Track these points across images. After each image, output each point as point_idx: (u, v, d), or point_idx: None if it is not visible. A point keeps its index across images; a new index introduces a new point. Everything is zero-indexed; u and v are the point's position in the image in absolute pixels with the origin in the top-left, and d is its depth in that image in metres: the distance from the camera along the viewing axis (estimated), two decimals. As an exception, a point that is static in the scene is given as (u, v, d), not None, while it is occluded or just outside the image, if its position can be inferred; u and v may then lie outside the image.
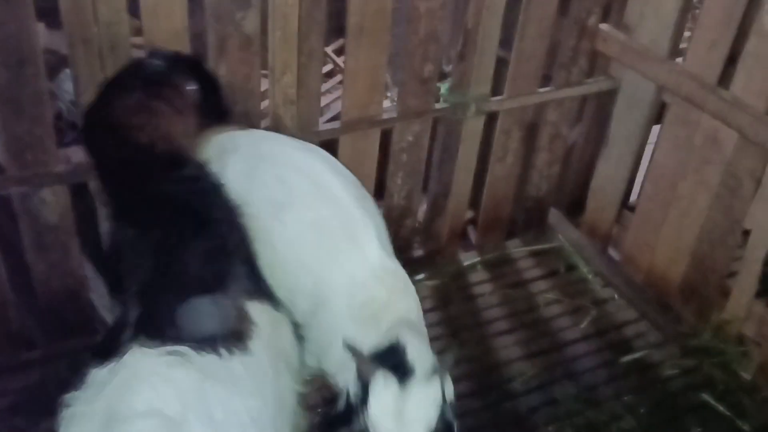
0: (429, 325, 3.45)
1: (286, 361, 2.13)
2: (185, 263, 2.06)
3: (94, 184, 2.80)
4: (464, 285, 3.67)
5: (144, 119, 2.31)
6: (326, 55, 4.84)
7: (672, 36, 3.28)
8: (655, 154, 3.52)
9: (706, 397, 3.16)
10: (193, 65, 2.49)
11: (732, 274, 3.30)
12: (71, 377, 2.93)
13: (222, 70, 2.75)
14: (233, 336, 1.94)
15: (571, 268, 3.79)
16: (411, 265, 3.64)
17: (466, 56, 3.28)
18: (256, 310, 2.06)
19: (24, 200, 2.72)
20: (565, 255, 3.84)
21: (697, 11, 3.50)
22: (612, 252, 3.84)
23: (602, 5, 3.44)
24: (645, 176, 3.63)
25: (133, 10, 2.59)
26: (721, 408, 3.11)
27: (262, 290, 2.15)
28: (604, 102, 3.70)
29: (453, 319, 3.47)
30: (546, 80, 3.58)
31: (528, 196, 3.88)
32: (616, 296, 3.64)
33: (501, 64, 3.45)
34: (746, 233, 3.22)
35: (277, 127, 2.96)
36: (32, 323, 3.09)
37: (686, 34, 3.60)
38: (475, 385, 3.14)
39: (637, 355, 3.34)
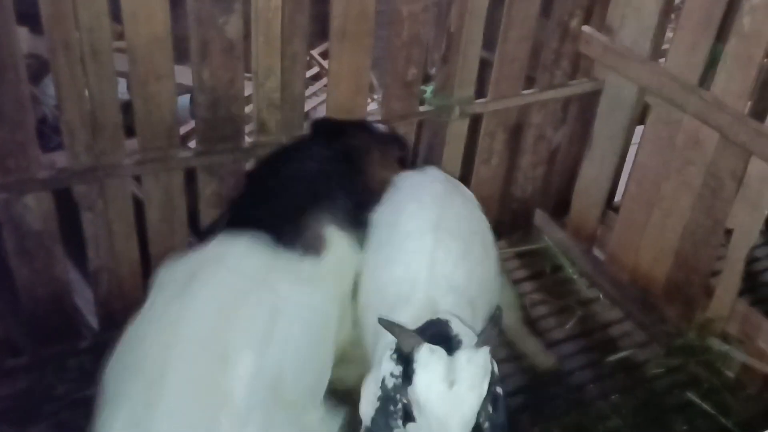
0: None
1: (347, 291, 2.37)
2: (289, 182, 2.49)
3: (77, 189, 2.80)
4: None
5: (362, 142, 2.75)
6: (312, 58, 4.85)
7: (653, 37, 3.30)
8: (638, 154, 3.54)
9: (691, 395, 3.18)
10: (400, 142, 2.96)
11: (715, 274, 3.32)
12: (58, 382, 2.96)
13: (205, 74, 2.76)
14: (309, 246, 2.29)
15: (557, 268, 3.81)
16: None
17: (449, 59, 3.30)
18: (336, 237, 2.38)
19: (7, 206, 2.71)
20: (551, 256, 3.86)
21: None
22: (597, 252, 3.86)
23: (584, 7, 3.46)
24: (629, 177, 3.65)
25: (115, 14, 2.59)
26: (705, 406, 3.13)
27: (352, 228, 2.45)
28: (588, 103, 3.72)
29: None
30: (530, 82, 3.60)
31: (513, 198, 3.89)
32: (601, 296, 3.67)
33: (485, 66, 3.47)
34: (729, 232, 3.25)
35: (261, 131, 2.96)
36: (18, 330, 3.08)
37: (669, 35, 3.63)
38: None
39: (622, 354, 3.37)
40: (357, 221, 2.48)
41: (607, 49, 3.44)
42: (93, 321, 3.20)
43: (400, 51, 3.12)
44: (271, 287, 2.13)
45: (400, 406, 1.77)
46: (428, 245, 2.22)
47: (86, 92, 2.64)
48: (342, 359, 2.44)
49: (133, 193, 2.98)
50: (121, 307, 3.07)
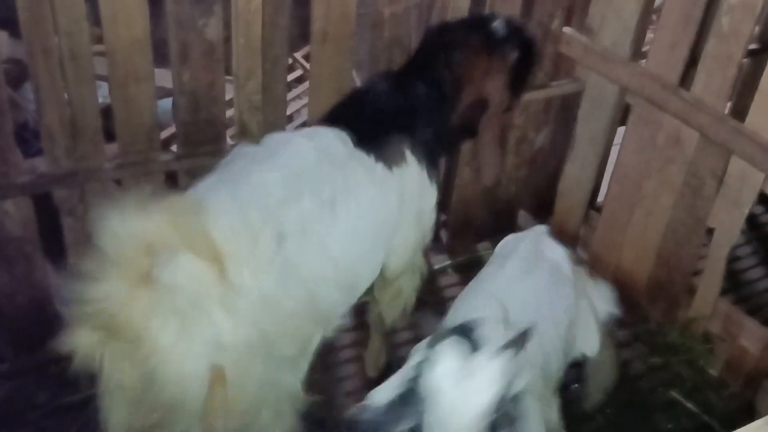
0: (400, 330, 3.50)
1: (408, 217, 2.57)
2: (378, 105, 2.63)
3: (57, 194, 2.78)
4: (435, 288, 3.68)
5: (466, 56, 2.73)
6: (296, 60, 4.85)
7: (634, 38, 3.31)
8: (619, 154, 3.56)
9: (674, 394, 3.19)
10: (527, 44, 2.85)
11: (697, 273, 3.34)
12: (39, 390, 2.94)
13: (185, 77, 2.74)
14: (385, 157, 2.48)
15: (541, 269, 3.81)
16: (382, 270, 3.67)
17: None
18: (412, 162, 2.56)
19: (-14, 212, 2.69)
20: (535, 256, 3.86)
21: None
22: (580, 252, 3.87)
23: (565, 8, 3.47)
24: (611, 177, 3.66)
25: (94, 17, 2.58)
26: (689, 405, 3.15)
27: (426, 159, 2.62)
28: (570, 104, 3.73)
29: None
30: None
31: (497, 199, 3.89)
32: (585, 296, 3.67)
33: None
34: (710, 232, 3.27)
35: (242, 134, 2.95)
36: (-2, 337, 3.05)
37: (650, 36, 3.65)
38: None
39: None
40: (434, 154, 2.67)
41: (587, 50, 3.45)
42: (75, 327, 3.17)
43: (382, 53, 3.12)
44: (347, 171, 2.36)
45: (414, 397, 1.78)
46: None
47: (66, 96, 2.62)
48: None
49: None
50: (102, 313, 3.05)
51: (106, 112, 2.79)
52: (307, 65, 4.52)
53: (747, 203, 3.06)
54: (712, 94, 3.03)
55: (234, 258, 1.92)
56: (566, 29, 3.52)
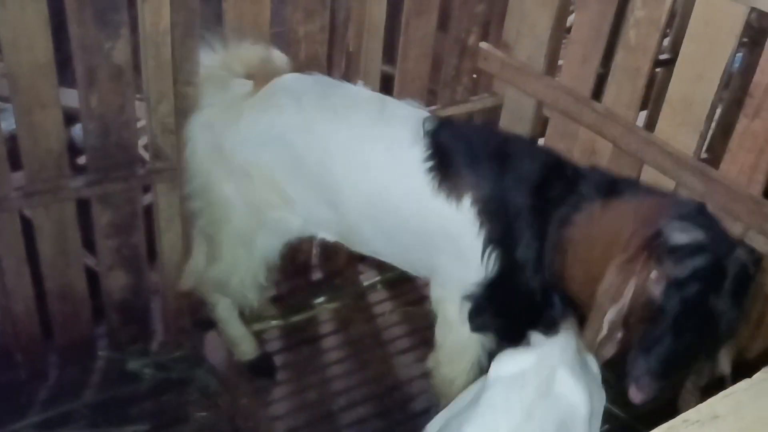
0: (330, 349, 3.46)
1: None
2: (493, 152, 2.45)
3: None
4: (365, 306, 3.68)
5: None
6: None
7: (547, 52, 3.38)
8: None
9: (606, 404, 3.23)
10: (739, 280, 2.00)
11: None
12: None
13: (93, 101, 2.67)
14: (443, 181, 2.38)
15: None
16: (310, 289, 3.66)
17: (350, 78, 3.30)
18: (465, 218, 2.34)
19: None
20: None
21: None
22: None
23: (481, 24, 3.52)
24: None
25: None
26: (615, 410, 3.20)
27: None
28: (491, 118, 3.77)
29: (354, 341, 3.47)
30: (434, 96, 3.64)
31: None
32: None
33: (388, 80, 3.48)
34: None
35: (156, 158, 2.89)
36: None
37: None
38: (378, 406, 3.15)
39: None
40: (508, 240, 2.27)
41: (504, 65, 3.51)
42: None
43: (299, 71, 3.09)
44: (386, 144, 2.48)
45: None
46: None
47: (-35, 124, 2.53)
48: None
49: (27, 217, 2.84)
50: (16, 347, 2.94)
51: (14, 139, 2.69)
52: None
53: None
54: (623, 106, 3.10)
55: (263, 106, 2.63)
56: (483, 44, 3.57)
